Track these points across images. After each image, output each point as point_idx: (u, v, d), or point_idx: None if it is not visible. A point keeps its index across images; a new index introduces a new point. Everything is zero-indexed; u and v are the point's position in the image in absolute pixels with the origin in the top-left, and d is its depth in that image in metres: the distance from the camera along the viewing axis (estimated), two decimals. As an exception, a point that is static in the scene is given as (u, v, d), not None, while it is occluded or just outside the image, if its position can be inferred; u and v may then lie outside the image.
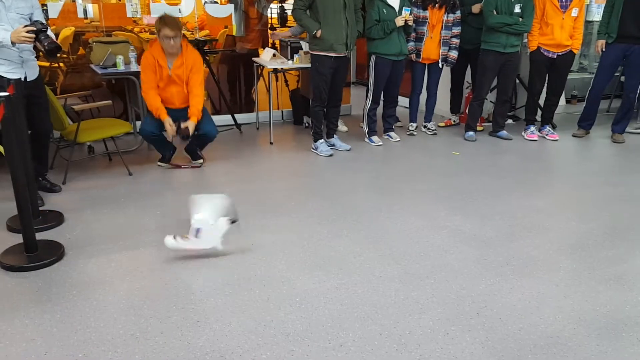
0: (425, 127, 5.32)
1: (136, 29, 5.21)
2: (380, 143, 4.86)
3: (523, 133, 5.20)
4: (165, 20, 3.68)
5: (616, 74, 5.35)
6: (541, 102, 5.26)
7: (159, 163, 4.18)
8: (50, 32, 3.04)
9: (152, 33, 5.21)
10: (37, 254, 2.64)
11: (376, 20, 4.49)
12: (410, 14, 4.51)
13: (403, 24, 4.47)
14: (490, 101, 5.46)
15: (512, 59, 4.83)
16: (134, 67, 4.41)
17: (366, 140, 4.93)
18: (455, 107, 5.66)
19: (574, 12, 4.72)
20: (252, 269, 2.59)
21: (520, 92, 5.80)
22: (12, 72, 3.11)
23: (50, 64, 4.86)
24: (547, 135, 5.17)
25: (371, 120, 4.87)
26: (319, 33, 4.17)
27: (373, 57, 4.63)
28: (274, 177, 4.06)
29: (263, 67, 5.05)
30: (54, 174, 3.80)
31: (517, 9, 4.65)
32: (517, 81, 5.62)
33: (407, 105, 5.29)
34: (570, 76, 5.40)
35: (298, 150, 4.72)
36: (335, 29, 4.19)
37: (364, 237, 2.97)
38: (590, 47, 6.65)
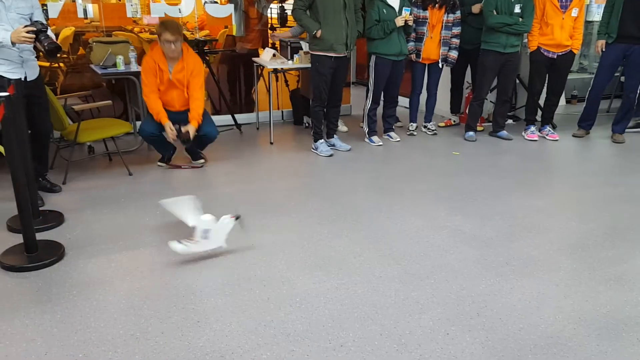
0: (425, 127, 5.32)
1: (136, 29, 5.21)
2: (381, 143, 4.87)
3: (523, 133, 5.20)
4: (166, 25, 3.70)
5: (616, 74, 5.35)
6: (541, 102, 5.26)
7: (159, 163, 4.19)
8: (50, 32, 3.04)
9: (152, 33, 5.22)
10: (37, 254, 2.64)
11: (376, 20, 4.49)
12: (410, 14, 4.51)
13: (403, 24, 4.47)
14: (491, 101, 5.46)
15: (512, 59, 4.83)
16: (134, 67, 4.41)
17: (366, 140, 4.94)
18: (455, 107, 5.66)
19: (574, 12, 4.72)
20: (252, 269, 2.59)
21: (520, 92, 5.80)
22: (12, 72, 3.11)
23: (50, 64, 4.86)
24: (547, 135, 5.17)
25: (371, 121, 4.87)
26: (319, 33, 4.17)
27: (373, 57, 4.63)
28: (274, 177, 4.06)
29: (263, 67, 5.05)
30: (54, 174, 3.80)
31: (517, 9, 4.65)
32: (517, 81, 5.62)
33: (407, 106, 5.29)
34: (570, 76, 5.40)
35: (298, 151, 4.72)
36: (335, 29, 4.20)
37: (364, 237, 2.97)
38: (590, 47, 6.65)
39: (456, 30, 4.87)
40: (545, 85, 5.10)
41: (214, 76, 5.34)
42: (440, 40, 4.84)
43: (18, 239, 2.72)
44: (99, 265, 2.61)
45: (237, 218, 2.68)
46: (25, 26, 2.91)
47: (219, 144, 4.28)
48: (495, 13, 4.67)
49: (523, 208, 3.42)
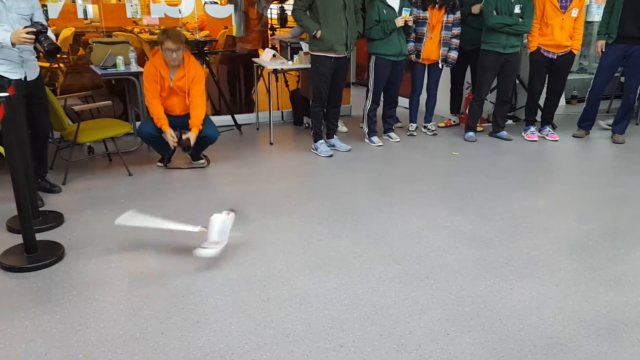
0: (425, 127, 5.32)
1: (136, 30, 5.22)
2: (380, 143, 4.86)
3: (523, 133, 5.20)
4: (168, 33, 3.72)
5: (616, 75, 5.35)
6: (541, 102, 5.26)
7: (159, 163, 4.19)
8: (50, 33, 3.04)
9: (152, 34, 5.22)
10: (37, 254, 2.64)
11: (376, 20, 4.49)
12: (410, 15, 4.51)
13: (403, 24, 4.47)
14: (490, 102, 5.46)
15: (512, 59, 4.83)
16: (133, 68, 4.41)
17: (366, 140, 4.93)
18: (455, 108, 5.66)
19: (574, 13, 4.72)
20: (252, 269, 2.59)
21: (520, 93, 5.80)
22: (12, 72, 3.11)
23: (50, 64, 4.86)
24: (547, 135, 5.17)
25: (371, 121, 4.87)
26: (318, 34, 4.17)
27: (373, 58, 4.63)
28: (274, 178, 4.06)
29: (263, 67, 5.05)
30: (54, 175, 3.80)
31: (517, 10, 4.65)
32: (517, 82, 5.63)
33: (407, 106, 5.29)
34: (570, 77, 5.40)
35: (298, 151, 4.72)
36: (335, 29, 4.20)
37: (364, 238, 2.97)
38: (590, 47, 6.65)
39: (456, 30, 4.87)
40: (545, 85, 5.10)
41: (214, 77, 5.34)
42: (440, 40, 4.84)
43: (18, 239, 2.71)
44: (99, 266, 2.61)
45: (231, 211, 2.67)
46: (25, 27, 2.91)
47: (219, 145, 4.28)
48: (495, 13, 4.67)
49: (523, 208, 3.42)
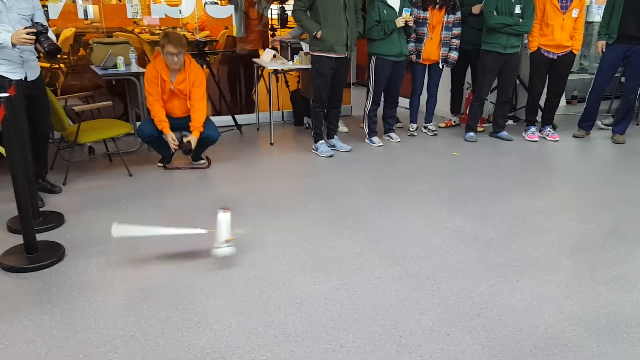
0: (425, 127, 5.32)
1: (136, 30, 5.22)
2: (381, 144, 4.86)
3: (523, 134, 5.20)
4: (169, 37, 3.73)
5: (616, 75, 5.35)
6: (541, 102, 5.26)
7: (159, 164, 4.19)
8: (50, 34, 3.04)
9: (152, 34, 5.22)
10: (38, 255, 2.64)
11: (376, 21, 4.49)
12: (411, 15, 4.51)
13: (403, 24, 4.47)
14: (491, 102, 5.46)
15: (512, 59, 4.83)
16: (134, 68, 4.41)
17: (366, 141, 4.93)
18: (455, 108, 5.66)
19: (574, 13, 4.72)
20: (252, 270, 2.59)
21: (521, 93, 5.80)
22: (12, 72, 3.12)
23: (50, 65, 4.86)
24: (547, 136, 5.17)
25: (371, 121, 4.87)
26: (319, 34, 4.17)
27: (373, 58, 4.63)
28: (274, 178, 4.06)
29: (263, 67, 5.05)
30: (54, 175, 3.80)
31: (517, 10, 4.65)
32: (518, 82, 5.62)
33: (408, 106, 5.29)
34: (570, 77, 5.40)
35: (298, 151, 4.72)
36: (335, 29, 4.20)
37: (365, 238, 2.97)
38: (590, 47, 6.65)
39: (456, 31, 4.86)
40: (546, 86, 5.10)
41: (215, 77, 5.34)
42: (440, 41, 4.84)
43: (18, 239, 2.71)
44: (99, 266, 2.61)
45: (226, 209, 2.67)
46: (26, 28, 2.92)
47: (219, 145, 4.28)
48: (495, 14, 4.67)
49: (523, 209, 3.42)
